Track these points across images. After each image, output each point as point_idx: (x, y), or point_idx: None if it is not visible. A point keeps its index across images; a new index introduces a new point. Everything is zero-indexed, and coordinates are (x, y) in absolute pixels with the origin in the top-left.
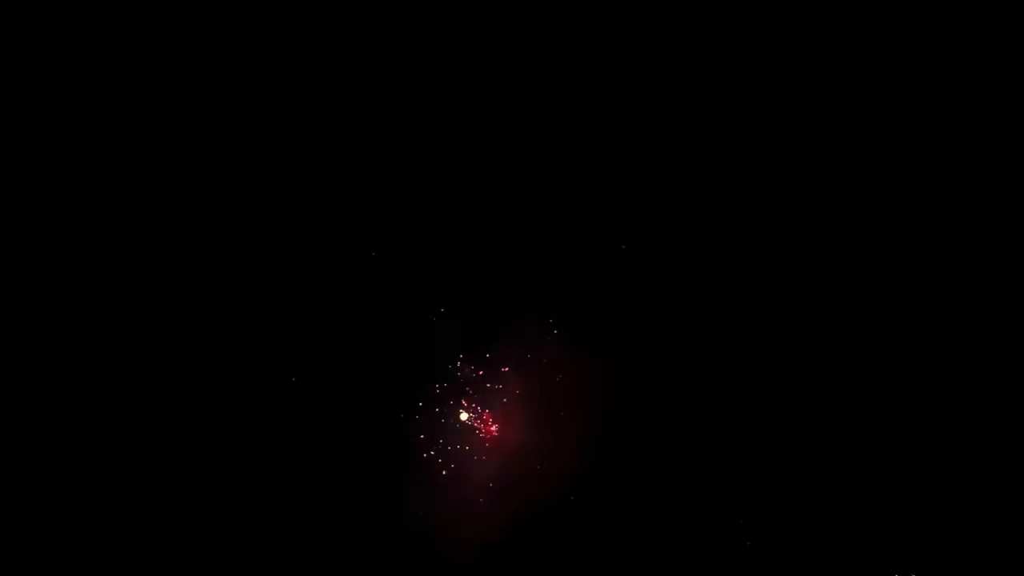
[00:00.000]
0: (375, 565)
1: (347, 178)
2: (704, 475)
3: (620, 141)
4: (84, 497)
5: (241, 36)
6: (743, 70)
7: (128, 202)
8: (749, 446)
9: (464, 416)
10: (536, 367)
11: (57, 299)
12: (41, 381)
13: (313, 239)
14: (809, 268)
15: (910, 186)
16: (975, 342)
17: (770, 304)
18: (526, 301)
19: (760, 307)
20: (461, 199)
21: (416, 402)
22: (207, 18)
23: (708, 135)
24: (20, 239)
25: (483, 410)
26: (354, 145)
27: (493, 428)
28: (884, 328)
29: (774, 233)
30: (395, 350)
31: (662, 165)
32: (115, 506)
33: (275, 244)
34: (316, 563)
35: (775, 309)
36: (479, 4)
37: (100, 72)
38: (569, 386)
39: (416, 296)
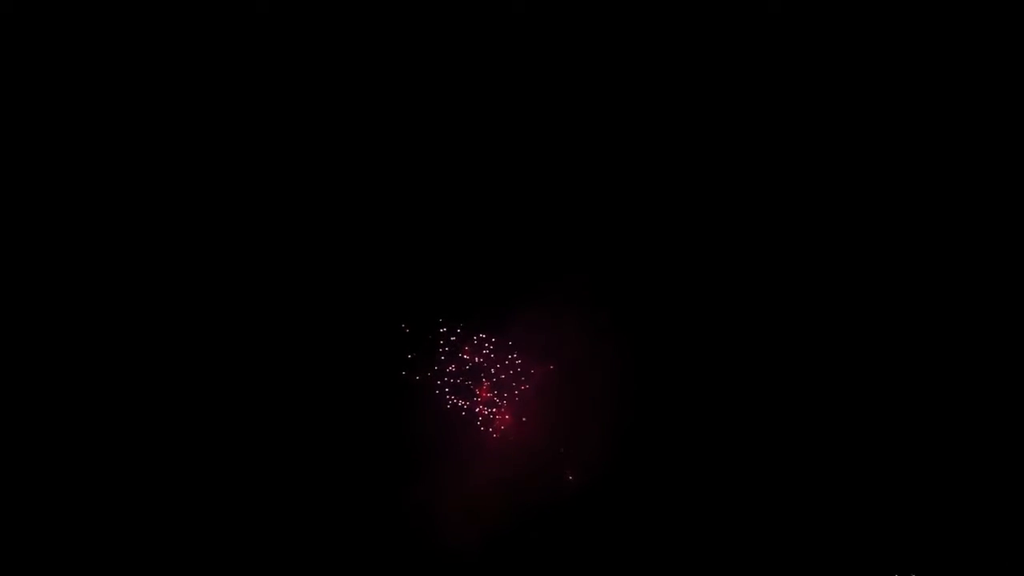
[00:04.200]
0: (378, 561)
1: (355, 174)
2: (707, 475)
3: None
4: (82, 496)
5: (240, 35)
6: (740, 66)
7: (124, 202)
8: (753, 446)
9: (471, 408)
10: (546, 360)
11: (54, 302)
12: (39, 387)
13: (323, 233)
14: (810, 269)
15: (909, 186)
16: (975, 342)
17: (775, 304)
18: (532, 296)
19: (765, 307)
20: (467, 190)
21: (421, 395)
22: (207, 17)
23: (707, 132)
24: (19, 239)
25: (488, 404)
26: (353, 144)
27: (500, 422)
28: (884, 328)
29: (777, 232)
30: (399, 345)
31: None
32: (113, 505)
33: (283, 239)
34: (324, 558)
35: (780, 309)
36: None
37: (99, 71)
38: (579, 382)
39: (420, 292)
